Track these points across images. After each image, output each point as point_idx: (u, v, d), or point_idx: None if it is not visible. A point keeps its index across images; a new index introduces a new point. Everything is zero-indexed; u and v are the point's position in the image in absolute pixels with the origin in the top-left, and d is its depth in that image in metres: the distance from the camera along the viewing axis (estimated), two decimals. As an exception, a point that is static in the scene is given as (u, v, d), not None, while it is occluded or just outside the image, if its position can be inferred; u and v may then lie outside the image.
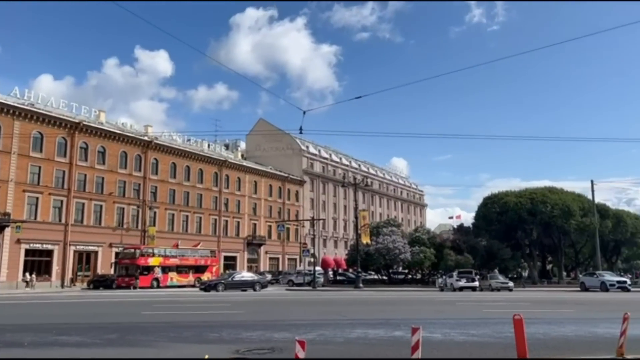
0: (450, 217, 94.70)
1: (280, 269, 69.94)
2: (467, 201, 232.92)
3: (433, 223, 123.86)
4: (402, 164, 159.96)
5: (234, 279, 39.02)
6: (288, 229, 72.00)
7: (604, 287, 38.22)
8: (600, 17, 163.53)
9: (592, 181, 51.80)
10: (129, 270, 43.08)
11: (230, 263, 64.60)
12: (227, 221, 65.84)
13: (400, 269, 54.82)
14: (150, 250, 45.59)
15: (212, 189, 64.07)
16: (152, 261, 44.24)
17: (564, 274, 60.27)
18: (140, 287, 41.29)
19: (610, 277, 40.71)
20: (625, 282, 39.94)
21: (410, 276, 54.30)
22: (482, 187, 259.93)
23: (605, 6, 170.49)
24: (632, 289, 39.12)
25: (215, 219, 64.02)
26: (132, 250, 45.50)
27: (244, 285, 38.57)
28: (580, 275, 47.98)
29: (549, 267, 68.21)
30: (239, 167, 68.95)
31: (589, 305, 22.12)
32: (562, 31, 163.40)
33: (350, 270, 54.68)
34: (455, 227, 62.26)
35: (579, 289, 41.14)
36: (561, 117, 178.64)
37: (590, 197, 52.80)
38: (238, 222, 67.66)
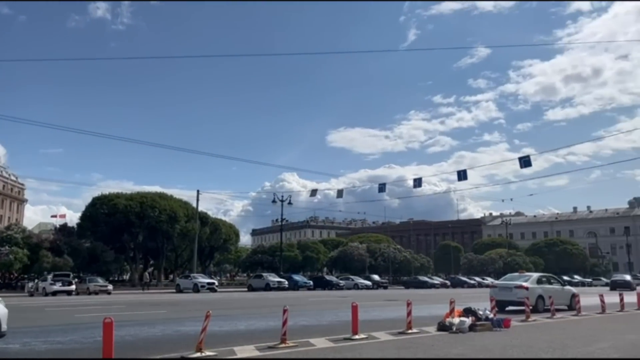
0: (54, 216, 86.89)
1: None
2: (75, 200, 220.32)
3: (33, 221, 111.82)
4: (1, 151, 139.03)
5: None
6: None
7: (196, 288, 41.96)
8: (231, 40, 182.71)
9: (198, 191, 56.36)
10: None
11: None
12: None
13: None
14: None
15: None
16: None
17: (162, 277, 63.25)
18: None
19: (202, 279, 44.94)
20: (213, 283, 44.90)
21: (-6, 280, 47.17)
22: (93, 186, 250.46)
23: (240, 31, 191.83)
24: (218, 290, 44.27)
25: None
26: None
27: None
28: (177, 278, 51.24)
29: (150, 269, 70.38)
30: None
31: (181, 306, 23.67)
32: (196, 45, 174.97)
33: None
34: (58, 226, 57.67)
35: (175, 290, 43.89)
36: (185, 126, 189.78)
37: (195, 204, 57.28)
38: None
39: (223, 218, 78.57)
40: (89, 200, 56.06)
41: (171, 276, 65.12)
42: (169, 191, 61.72)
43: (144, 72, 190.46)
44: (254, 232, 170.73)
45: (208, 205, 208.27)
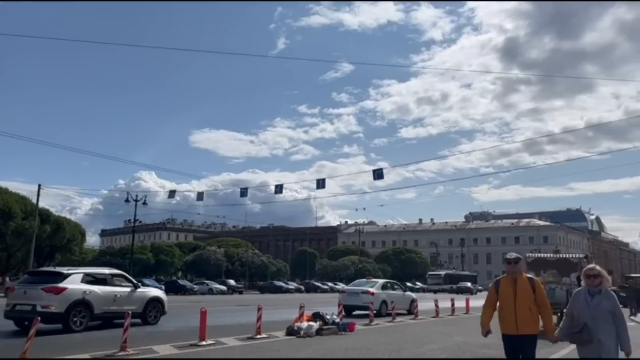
0: None
1: None
2: None
3: None
4: None
5: None
6: None
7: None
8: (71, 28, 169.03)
9: (39, 185, 51.21)
10: None
11: None
12: None
13: None
14: None
15: None
16: None
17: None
18: None
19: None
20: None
21: None
22: None
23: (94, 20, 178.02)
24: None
25: None
26: None
27: None
28: (8, 280, 46.01)
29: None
30: None
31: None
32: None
33: None
34: None
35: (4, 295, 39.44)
36: (29, 114, 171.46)
37: (35, 200, 52.02)
38: None
39: (68, 216, 72.20)
40: None
41: (1, 278, 58.16)
42: (4, 184, 54.91)
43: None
44: (104, 233, 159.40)
45: (52, 202, 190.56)
